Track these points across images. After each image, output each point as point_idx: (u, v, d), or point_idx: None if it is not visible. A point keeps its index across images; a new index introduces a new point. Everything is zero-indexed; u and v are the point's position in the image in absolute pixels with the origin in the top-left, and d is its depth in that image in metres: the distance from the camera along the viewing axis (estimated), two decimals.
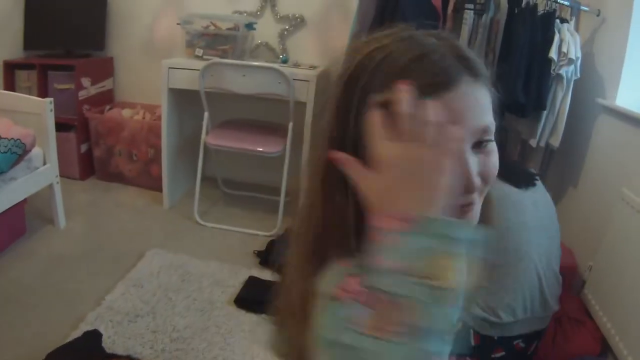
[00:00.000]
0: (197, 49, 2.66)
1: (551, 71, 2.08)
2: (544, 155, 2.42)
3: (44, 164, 2.30)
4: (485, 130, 0.58)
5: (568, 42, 2.05)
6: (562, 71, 2.07)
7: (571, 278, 2.08)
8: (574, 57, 2.06)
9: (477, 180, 0.58)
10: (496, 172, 0.63)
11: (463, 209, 0.61)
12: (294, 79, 2.42)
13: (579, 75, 2.14)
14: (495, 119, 0.60)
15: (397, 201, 0.48)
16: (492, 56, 2.14)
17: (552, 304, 1.54)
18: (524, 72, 2.07)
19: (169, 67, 2.54)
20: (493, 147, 0.61)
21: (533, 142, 2.26)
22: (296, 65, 2.76)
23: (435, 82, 0.53)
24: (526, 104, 2.10)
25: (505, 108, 2.09)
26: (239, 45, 2.66)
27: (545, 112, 2.17)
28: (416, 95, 0.49)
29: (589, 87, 2.26)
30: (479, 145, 0.59)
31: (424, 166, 0.48)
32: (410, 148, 0.48)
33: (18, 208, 2.28)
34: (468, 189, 0.57)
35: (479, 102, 0.57)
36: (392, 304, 0.44)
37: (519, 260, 1.46)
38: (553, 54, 2.05)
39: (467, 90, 0.55)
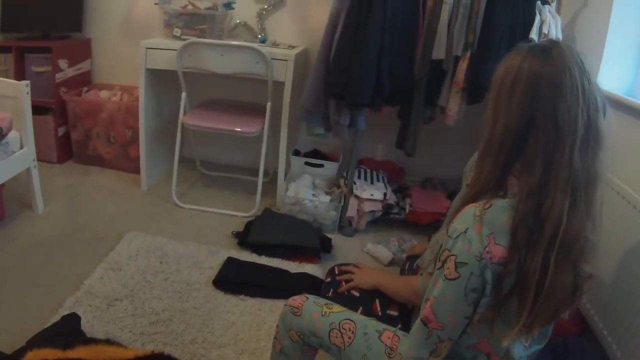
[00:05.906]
0: (175, 29, 2.60)
1: None
2: None
3: (21, 148, 2.26)
4: None
5: (549, 23, 2.04)
6: None
7: None
8: (554, 39, 2.04)
9: None
10: None
11: None
12: (273, 59, 2.38)
13: None
14: None
15: None
16: (472, 37, 2.12)
17: None
18: (505, 53, 2.05)
19: (147, 48, 2.49)
20: None
21: None
22: (275, 44, 2.72)
23: None
24: None
25: (485, 89, 2.07)
26: (217, 25, 2.61)
27: None
28: None
29: None
30: None
31: None
32: None
33: None
34: None
35: None
36: None
37: None
38: (533, 34, 2.03)
39: None
